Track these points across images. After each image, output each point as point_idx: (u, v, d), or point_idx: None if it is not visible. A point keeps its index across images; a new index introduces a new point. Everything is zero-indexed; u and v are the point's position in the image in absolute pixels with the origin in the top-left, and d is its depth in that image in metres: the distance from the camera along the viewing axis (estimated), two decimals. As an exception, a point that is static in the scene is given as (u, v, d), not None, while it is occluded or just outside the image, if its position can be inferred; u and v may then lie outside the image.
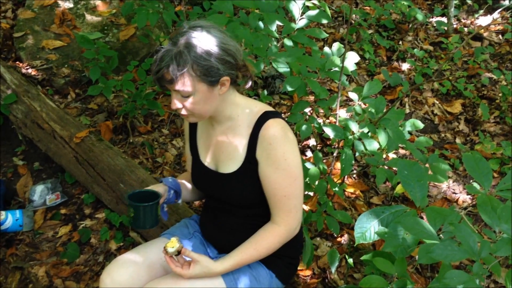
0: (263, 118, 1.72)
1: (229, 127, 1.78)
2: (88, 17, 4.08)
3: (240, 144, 1.75)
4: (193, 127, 1.94)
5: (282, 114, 2.36)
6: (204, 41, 1.58)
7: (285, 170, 1.68)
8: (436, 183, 3.22)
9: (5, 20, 4.09)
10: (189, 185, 2.01)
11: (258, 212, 1.81)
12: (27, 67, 3.70)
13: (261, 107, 1.76)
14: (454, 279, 1.11)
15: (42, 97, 3.25)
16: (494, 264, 1.22)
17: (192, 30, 1.59)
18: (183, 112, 1.68)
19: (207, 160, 1.87)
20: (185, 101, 1.63)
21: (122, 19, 4.08)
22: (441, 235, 1.39)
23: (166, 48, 1.58)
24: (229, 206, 1.85)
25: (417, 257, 1.29)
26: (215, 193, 1.86)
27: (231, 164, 1.77)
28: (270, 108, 1.78)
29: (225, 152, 1.79)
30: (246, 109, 1.76)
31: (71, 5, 4.12)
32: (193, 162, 1.94)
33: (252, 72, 1.78)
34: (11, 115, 3.23)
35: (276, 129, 1.69)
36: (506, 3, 4.84)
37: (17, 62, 3.76)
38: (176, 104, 1.65)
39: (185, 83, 1.58)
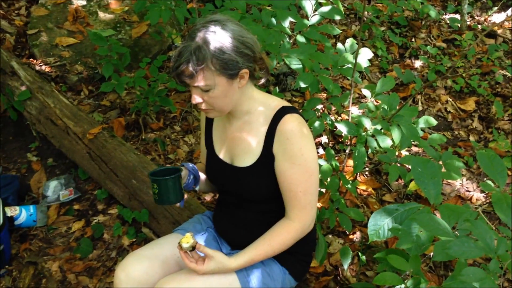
0: (281, 113, 1.71)
1: (246, 121, 1.78)
2: (101, 14, 4.10)
3: (257, 139, 1.75)
4: (209, 120, 1.94)
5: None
6: (222, 34, 1.58)
7: (301, 165, 1.67)
8: (450, 181, 3.20)
9: (19, 18, 4.13)
10: (203, 176, 2.01)
11: (273, 208, 1.81)
12: (41, 64, 3.72)
13: (278, 102, 1.76)
14: (471, 276, 1.10)
15: (55, 94, 3.27)
16: (510, 262, 1.21)
17: (209, 25, 1.59)
18: (204, 106, 1.67)
19: (222, 154, 1.87)
20: (205, 95, 1.63)
21: (134, 17, 4.10)
22: (456, 232, 1.38)
23: (184, 43, 1.58)
24: (244, 201, 1.84)
25: (431, 254, 1.28)
26: (230, 187, 1.86)
27: (247, 158, 1.77)
28: (287, 104, 1.77)
29: (241, 146, 1.79)
30: (263, 103, 1.76)
31: (84, 3, 4.15)
32: (208, 156, 1.94)
33: (269, 65, 1.78)
34: (25, 111, 3.26)
35: (293, 124, 1.68)
36: (521, -1, 4.79)
37: (31, 59, 3.79)
38: (196, 99, 1.65)
39: (205, 78, 1.58)
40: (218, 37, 1.57)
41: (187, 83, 1.63)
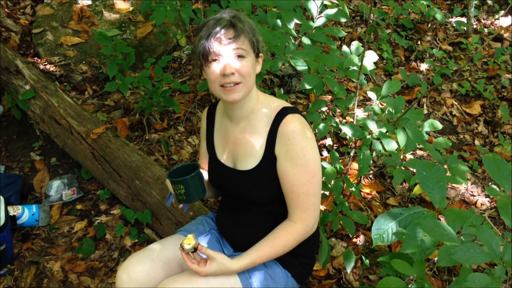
0: (282, 113, 1.71)
1: (248, 123, 1.77)
2: (106, 14, 4.10)
3: (259, 141, 1.74)
4: (210, 125, 1.93)
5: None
6: (248, 18, 1.68)
7: (303, 166, 1.66)
8: (454, 185, 3.18)
9: (24, 16, 4.13)
10: (205, 178, 1.99)
11: (277, 209, 1.80)
12: (45, 63, 3.72)
13: (279, 103, 1.76)
14: (476, 282, 1.09)
15: (59, 93, 3.27)
16: (516, 268, 1.19)
17: (233, 11, 1.67)
18: (235, 79, 1.62)
19: (224, 158, 1.86)
20: (239, 64, 1.62)
21: (139, 17, 4.10)
22: (461, 237, 1.36)
23: (217, 16, 1.63)
24: (248, 203, 1.83)
25: (435, 259, 1.26)
26: (234, 191, 1.85)
27: (250, 161, 1.76)
28: (288, 104, 1.77)
29: (244, 149, 1.78)
30: (265, 104, 1.76)
31: (89, 2, 4.15)
32: (210, 160, 1.93)
33: None
34: (29, 110, 3.26)
35: (295, 124, 1.68)
36: (528, 3, 4.76)
37: (36, 58, 3.79)
38: (230, 68, 1.60)
39: (245, 41, 1.63)
40: (247, 19, 1.67)
41: (218, 52, 1.59)
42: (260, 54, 1.72)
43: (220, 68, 1.61)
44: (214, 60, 1.61)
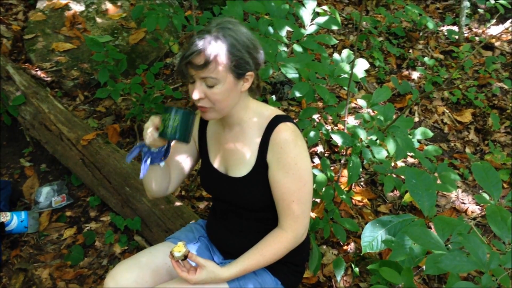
0: (274, 122, 1.70)
1: (240, 130, 1.76)
2: (99, 20, 4.09)
3: (251, 148, 1.73)
4: (202, 129, 1.91)
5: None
6: (239, 33, 1.60)
7: (295, 174, 1.66)
8: (445, 193, 3.19)
9: (16, 22, 4.12)
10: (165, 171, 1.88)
11: (269, 216, 1.79)
12: (37, 69, 3.71)
13: (272, 111, 1.75)
14: (463, 291, 1.09)
15: (50, 99, 3.26)
16: (503, 276, 1.19)
17: (225, 23, 1.61)
18: (204, 104, 1.62)
19: (217, 163, 1.85)
20: (208, 91, 1.59)
21: (132, 23, 4.10)
22: (449, 245, 1.36)
23: (200, 34, 1.58)
24: (239, 209, 1.82)
25: (424, 267, 1.26)
26: (225, 197, 1.84)
27: (242, 168, 1.75)
28: (281, 112, 1.76)
29: (236, 156, 1.77)
30: (257, 112, 1.75)
31: (82, 8, 4.14)
32: (203, 165, 1.92)
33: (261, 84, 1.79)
34: (20, 116, 3.24)
35: (287, 133, 1.67)
36: (518, 12, 4.80)
37: (27, 64, 3.78)
38: (199, 94, 1.59)
39: (216, 69, 1.56)
40: (236, 34, 1.59)
41: (193, 75, 1.58)
42: (249, 73, 1.65)
43: (192, 90, 1.61)
44: (190, 81, 1.62)
